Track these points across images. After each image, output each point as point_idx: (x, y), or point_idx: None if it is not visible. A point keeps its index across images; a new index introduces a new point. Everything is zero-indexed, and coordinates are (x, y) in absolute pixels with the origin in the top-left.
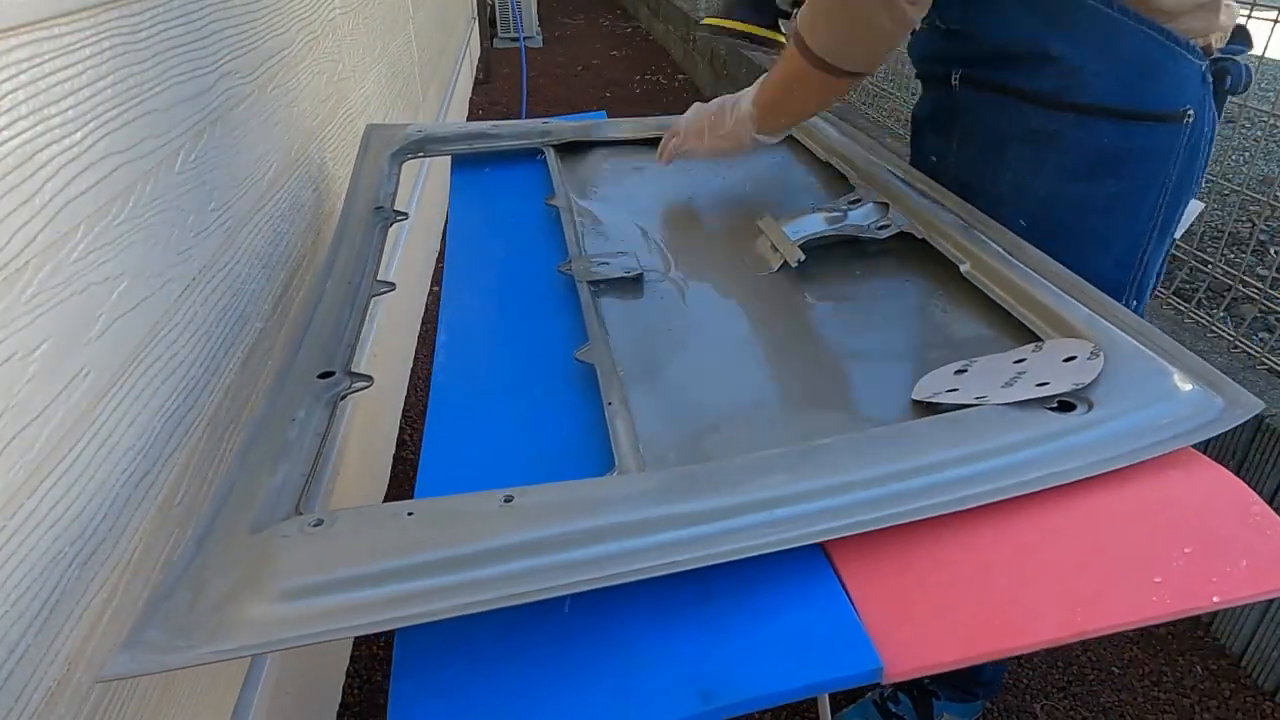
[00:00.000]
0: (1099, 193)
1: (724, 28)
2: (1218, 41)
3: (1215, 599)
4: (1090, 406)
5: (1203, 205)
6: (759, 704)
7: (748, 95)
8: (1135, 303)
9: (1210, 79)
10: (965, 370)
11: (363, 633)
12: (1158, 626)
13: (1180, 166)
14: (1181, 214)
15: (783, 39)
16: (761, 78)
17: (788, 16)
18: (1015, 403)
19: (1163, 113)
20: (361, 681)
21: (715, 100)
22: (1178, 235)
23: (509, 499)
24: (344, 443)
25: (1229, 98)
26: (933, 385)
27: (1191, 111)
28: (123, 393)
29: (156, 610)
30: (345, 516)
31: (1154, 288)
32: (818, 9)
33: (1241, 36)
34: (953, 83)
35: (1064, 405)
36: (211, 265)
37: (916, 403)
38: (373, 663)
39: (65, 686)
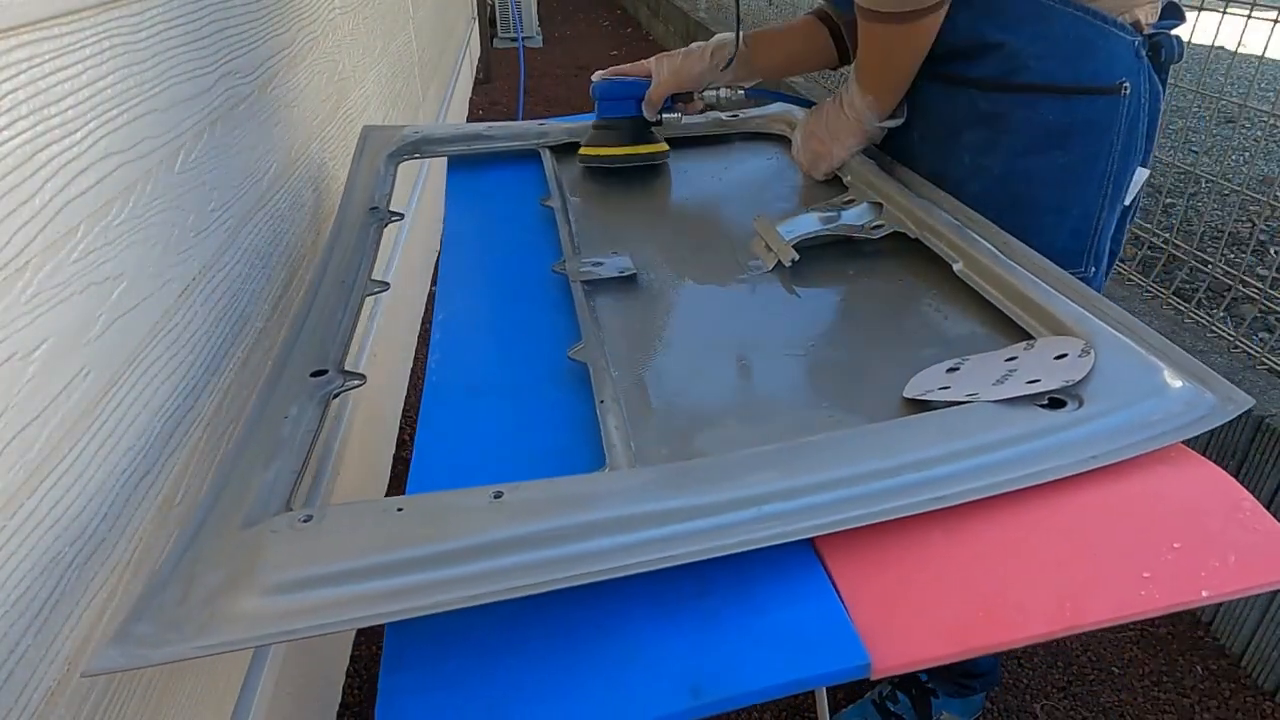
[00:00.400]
0: (1049, 165)
1: (601, 157)
2: (1147, 17)
3: (1204, 594)
4: (1080, 403)
5: (1148, 172)
6: (748, 699)
7: (851, 90)
8: (1094, 269)
9: (1145, 53)
10: (957, 368)
11: (352, 627)
12: (1157, 626)
13: (1123, 136)
14: (1130, 181)
15: (664, 147)
16: (849, 71)
17: (659, 124)
18: (1006, 400)
19: (1100, 86)
20: (361, 681)
21: (813, 110)
22: (1127, 202)
23: (499, 495)
24: (344, 442)
25: (1170, 69)
26: (924, 383)
27: (1127, 84)
28: (123, 393)
29: (146, 604)
30: (335, 512)
31: (1114, 257)
32: None
33: (1173, 12)
34: None
35: (1054, 402)
36: (212, 265)
37: (908, 400)
38: (373, 662)
39: (65, 686)
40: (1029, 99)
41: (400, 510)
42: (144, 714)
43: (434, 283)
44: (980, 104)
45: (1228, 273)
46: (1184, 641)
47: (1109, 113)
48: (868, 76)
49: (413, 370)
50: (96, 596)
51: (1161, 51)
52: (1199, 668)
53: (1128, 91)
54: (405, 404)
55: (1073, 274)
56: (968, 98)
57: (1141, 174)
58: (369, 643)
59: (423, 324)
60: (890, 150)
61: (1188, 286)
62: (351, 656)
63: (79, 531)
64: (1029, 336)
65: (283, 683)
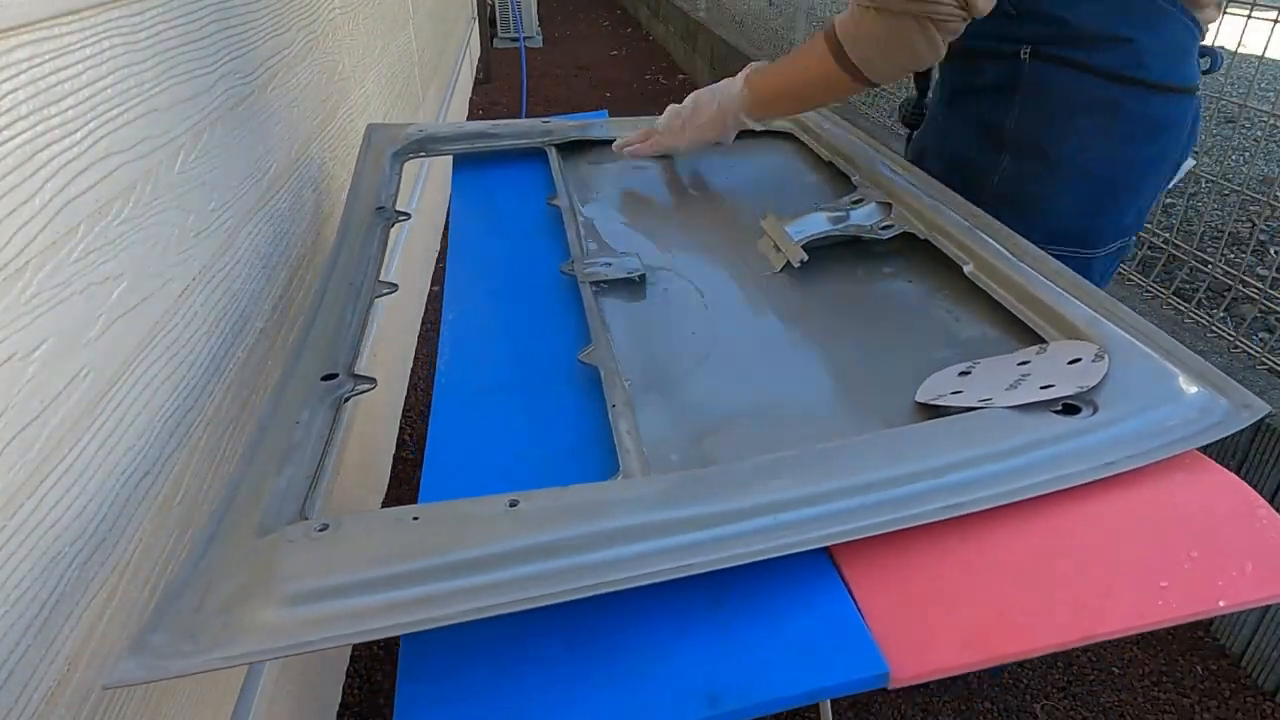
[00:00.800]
0: (1143, 154)
1: None
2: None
3: (1221, 603)
4: (1095, 409)
5: (1194, 162)
6: (765, 709)
7: (738, 81)
8: (1129, 238)
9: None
10: (969, 372)
11: (369, 638)
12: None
13: (1189, 132)
14: (1180, 172)
15: None
16: (755, 66)
17: None
18: (1020, 406)
19: (1188, 87)
20: (361, 681)
21: (689, 97)
22: (1170, 185)
23: (514, 503)
24: (344, 443)
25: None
26: (936, 387)
27: (1199, 87)
28: (123, 393)
29: (163, 615)
30: (351, 521)
31: None
32: (863, 27)
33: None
34: (1021, 56)
35: (1069, 408)
36: (212, 265)
37: (920, 405)
38: (373, 663)
39: (65, 686)
40: (1141, 93)
41: (416, 519)
42: (144, 714)
43: (434, 282)
44: (1097, 90)
45: (1228, 273)
46: (1184, 641)
47: (1188, 111)
48: (783, 88)
49: (413, 370)
50: (97, 596)
51: (1208, 62)
52: (1199, 668)
53: (1199, 93)
54: (405, 404)
55: (1120, 244)
56: (1086, 83)
57: (1189, 163)
58: (369, 644)
59: (422, 324)
60: (964, 115)
61: (1188, 286)
62: (352, 657)
63: (79, 531)
64: (1041, 340)
65: (283, 683)
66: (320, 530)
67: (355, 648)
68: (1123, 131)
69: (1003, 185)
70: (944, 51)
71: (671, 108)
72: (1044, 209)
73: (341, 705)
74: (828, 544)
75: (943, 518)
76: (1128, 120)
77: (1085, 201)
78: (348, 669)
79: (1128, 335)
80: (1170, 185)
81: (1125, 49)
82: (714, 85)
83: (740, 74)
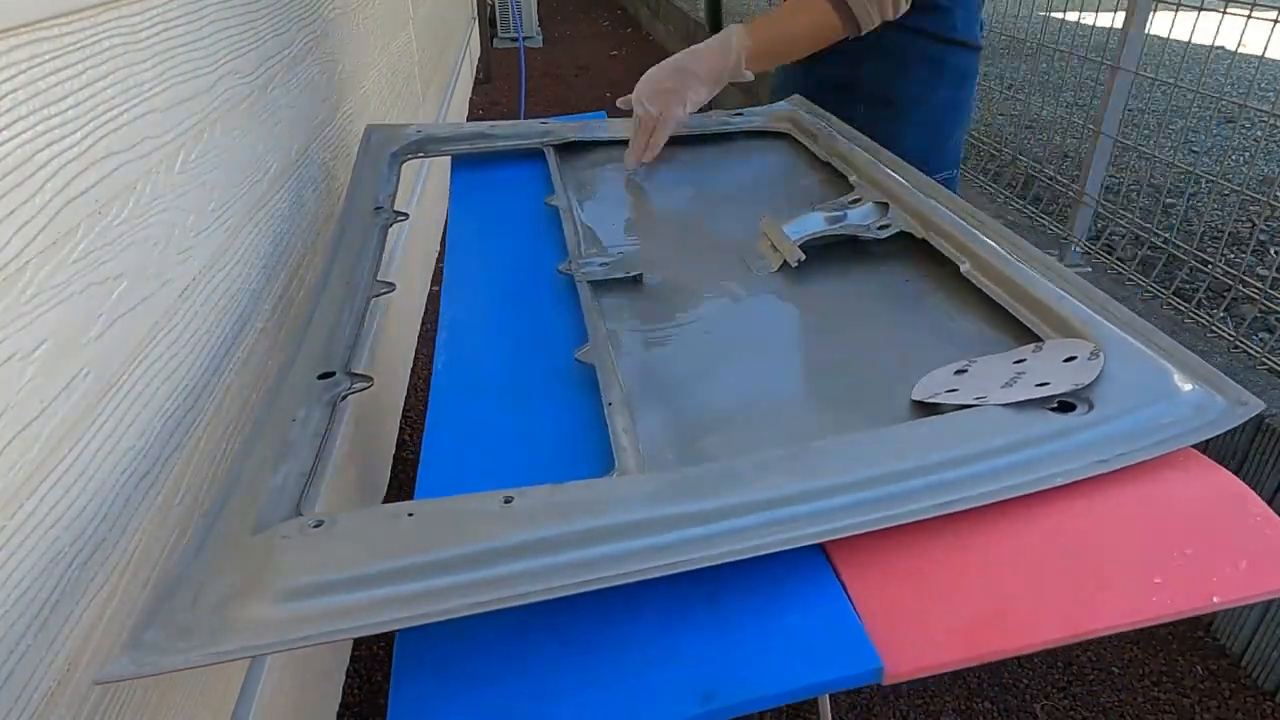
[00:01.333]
0: (958, 98)
1: None
2: None
3: (1215, 599)
4: (1090, 407)
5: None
6: (759, 705)
7: (734, 32)
8: (955, 172)
9: None
10: (965, 370)
11: (364, 634)
12: (1158, 626)
13: (976, 80)
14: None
15: None
16: (744, 24)
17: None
18: (1015, 403)
19: (979, 44)
20: (361, 681)
21: (655, 69)
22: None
23: (509, 500)
24: (344, 442)
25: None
26: (932, 386)
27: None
28: (123, 393)
29: (156, 611)
30: (346, 518)
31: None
32: None
33: None
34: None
35: (1064, 405)
36: (212, 265)
37: (916, 403)
38: (373, 662)
39: (65, 687)
40: (955, 50)
41: (411, 515)
42: (144, 713)
43: (434, 282)
44: (928, 49)
45: (1228, 273)
46: (1184, 641)
47: (976, 63)
48: (782, 38)
49: (413, 370)
50: (97, 596)
51: (981, 25)
52: (1199, 668)
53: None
54: (405, 404)
55: (946, 174)
56: (921, 43)
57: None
58: (369, 643)
59: (422, 324)
60: (833, 78)
61: (1188, 286)
62: (352, 657)
63: (79, 531)
64: (1037, 338)
65: (283, 682)
66: (315, 526)
67: (355, 648)
68: (945, 80)
69: (861, 129)
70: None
71: (645, 85)
72: (891, 145)
73: (341, 705)
74: (823, 540)
75: (938, 514)
76: (948, 71)
77: (923, 137)
78: (348, 669)
79: (1123, 333)
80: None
81: (945, 16)
82: (686, 50)
83: (729, 29)
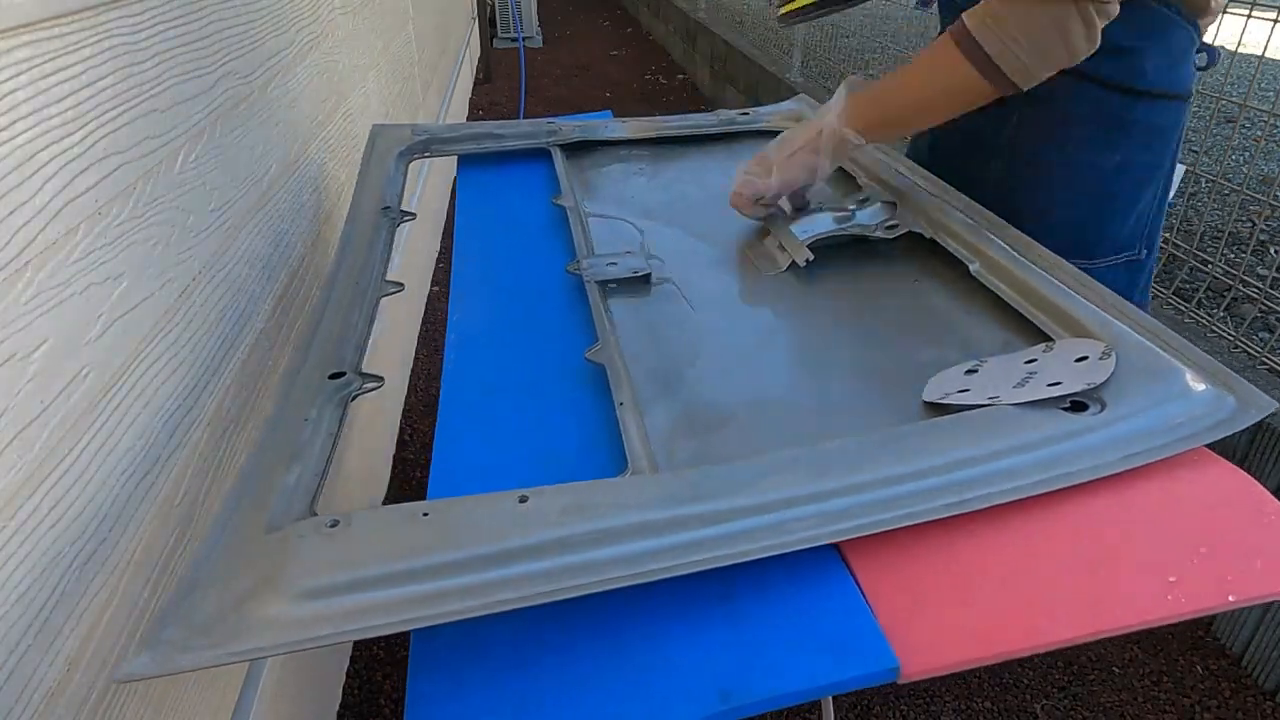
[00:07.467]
0: (1138, 162)
1: (799, 9)
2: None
3: (1231, 598)
4: (1103, 406)
5: (1184, 168)
6: (777, 703)
7: (837, 98)
8: (1146, 252)
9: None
10: (976, 370)
11: (381, 633)
12: (1158, 626)
13: (1180, 136)
14: (1175, 176)
15: None
16: (854, 80)
17: None
18: (1027, 403)
19: (1183, 93)
20: (362, 681)
21: (797, 127)
22: (1172, 195)
23: (524, 499)
24: (345, 442)
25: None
26: (943, 386)
27: (1193, 93)
28: (123, 393)
29: (174, 609)
30: (361, 517)
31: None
32: (1007, 17)
33: None
34: None
35: (1076, 405)
36: (212, 265)
37: (927, 404)
38: (373, 663)
39: (65, 686)
40: (1139, 101)
41: (426, 515)
42: (144, 713)
43: (434, 283)
44: (1098, 100)
45: (1228, 273)
46: (1184, 641)
47: (1181, 117)
48: (905, 103)
49: (413, 370)
50: (97, 596)
51: (1209, 57)
52: (1199, 668)
53: (1191, 98)
54: (405, 404)
55: (1126, 257)
56: (1088, 93)
57: (1180, 170)
58: (369, 643)
59: (422, 324)
60: (967, 125)
61: (1188, 286)
62: (352, 656)
63: (79, 531)
64: (1047, 338)
65: (283, 682)
66: (331, 526)
67: (355, 648)
68: (1119, 140)
69: (996, 194)
70: (1099, 42)
71: (780, 139)
72: (1038, 218)
73: (341, 705)
74: (837, 540)
75: (951, 514)
76: (1124, 128)
77: (1080, 210)
78: (348, 669)
79: (1135, 332)
80: (1171, 196)
81: (1128, 59)
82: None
83: (836, 93)
